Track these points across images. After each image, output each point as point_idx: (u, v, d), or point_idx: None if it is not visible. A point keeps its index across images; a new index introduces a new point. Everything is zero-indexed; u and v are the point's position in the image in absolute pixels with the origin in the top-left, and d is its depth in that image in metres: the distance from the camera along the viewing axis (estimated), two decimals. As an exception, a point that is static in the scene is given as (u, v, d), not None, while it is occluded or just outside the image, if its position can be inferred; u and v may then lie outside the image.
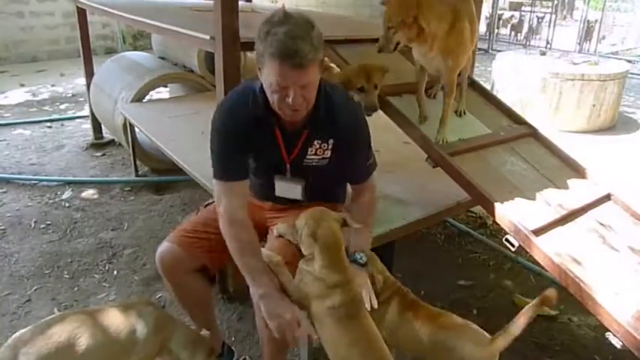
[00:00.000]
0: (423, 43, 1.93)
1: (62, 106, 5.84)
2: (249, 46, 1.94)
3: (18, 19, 8.18)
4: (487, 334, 1.50)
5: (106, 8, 3.38)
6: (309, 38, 1.41)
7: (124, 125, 3.57)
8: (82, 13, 4.07)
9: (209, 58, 3.75)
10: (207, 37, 2.13)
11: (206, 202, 1.92)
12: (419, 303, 1.64)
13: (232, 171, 1.61)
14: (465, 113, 2.43)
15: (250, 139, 1.60)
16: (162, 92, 5.35)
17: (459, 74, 2.22)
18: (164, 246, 1.72)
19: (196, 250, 1.71)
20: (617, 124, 5.73)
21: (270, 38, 1.40)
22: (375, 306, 1.53)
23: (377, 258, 1.70)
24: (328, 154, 1.68)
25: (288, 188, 1.73)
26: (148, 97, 3.94)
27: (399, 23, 1.84)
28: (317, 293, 1.44)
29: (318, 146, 1.66)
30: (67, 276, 2.62)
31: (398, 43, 1.89)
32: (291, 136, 1.63)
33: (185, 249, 1.70)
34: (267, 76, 1.45)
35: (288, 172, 1.71)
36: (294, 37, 1.39)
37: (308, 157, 1.67)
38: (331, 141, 1.66)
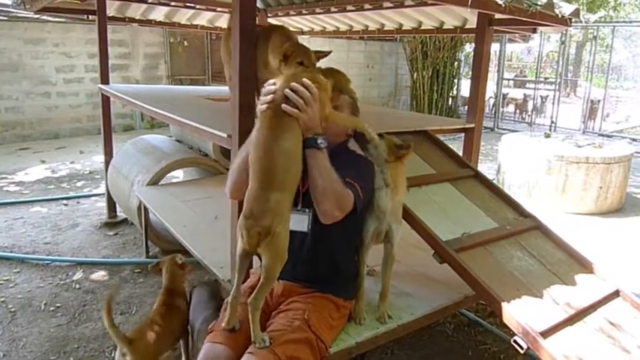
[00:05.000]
0: None
1: (79, 184, 6.03)
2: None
3: (45, 98, 8.65)
4: None
5: (129, 98, 3.60)
6: None
7: (139, 207, 3.67)
8: (106, 100, 4.32)
9: (223, 144, 3.91)
10: (225, 135, 2.23)
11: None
12: None
13: None
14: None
15: None
16: (177, 171, 5.52)
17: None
18: (213, 348, 1.73)
19: (241, 347, 1.72)
20: (625, 206, 5.73)
21: None
22: None
23: None
24: None
25: (297, 220, 1.84)
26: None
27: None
28: None
29: None
30: (73, 363, 2.60)
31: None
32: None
33: (233, 348, 1.72)
34: None
35: (300, 203, 1.83)
36: None
37: None
38: None
